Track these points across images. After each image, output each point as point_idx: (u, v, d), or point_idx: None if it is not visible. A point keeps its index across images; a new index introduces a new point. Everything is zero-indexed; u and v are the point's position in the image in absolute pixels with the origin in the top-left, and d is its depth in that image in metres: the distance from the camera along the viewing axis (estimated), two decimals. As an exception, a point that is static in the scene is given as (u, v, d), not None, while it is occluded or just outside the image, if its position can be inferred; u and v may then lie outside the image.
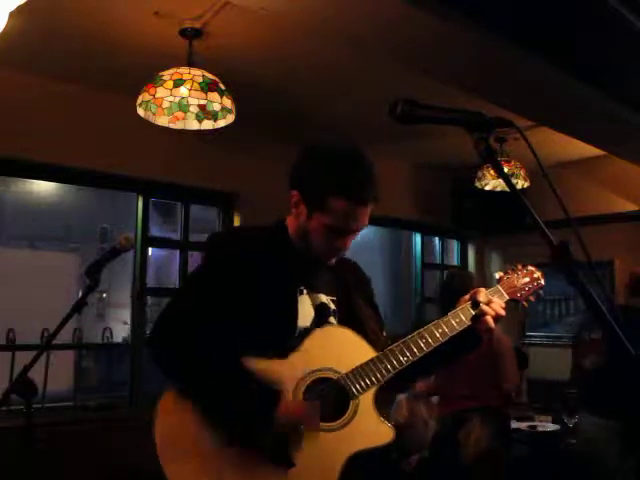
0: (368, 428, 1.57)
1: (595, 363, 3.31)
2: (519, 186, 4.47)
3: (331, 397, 1.56)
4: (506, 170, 4.43)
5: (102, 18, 2.92)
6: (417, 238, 5.98)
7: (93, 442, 3.45)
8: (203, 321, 1.57)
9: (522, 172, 4.50)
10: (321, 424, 1.53)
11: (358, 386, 1.57)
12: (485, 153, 1.14)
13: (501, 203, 4.87)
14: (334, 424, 1.55)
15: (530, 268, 1.81)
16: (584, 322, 3.80)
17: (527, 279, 1.79)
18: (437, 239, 6.18)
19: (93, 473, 3.32)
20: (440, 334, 1.63)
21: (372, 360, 1.59)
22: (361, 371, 1.58)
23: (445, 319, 1.66)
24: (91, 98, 3.69)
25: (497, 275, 1.78)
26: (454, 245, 6.31)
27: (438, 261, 6.16)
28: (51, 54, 3.28)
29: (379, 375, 1.59)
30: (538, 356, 5.46)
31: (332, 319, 1.69)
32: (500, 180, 4.56)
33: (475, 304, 1.66)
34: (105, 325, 4.87)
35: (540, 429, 4.21)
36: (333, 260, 1.70)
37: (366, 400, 1.58)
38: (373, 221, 1.76)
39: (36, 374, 2.14)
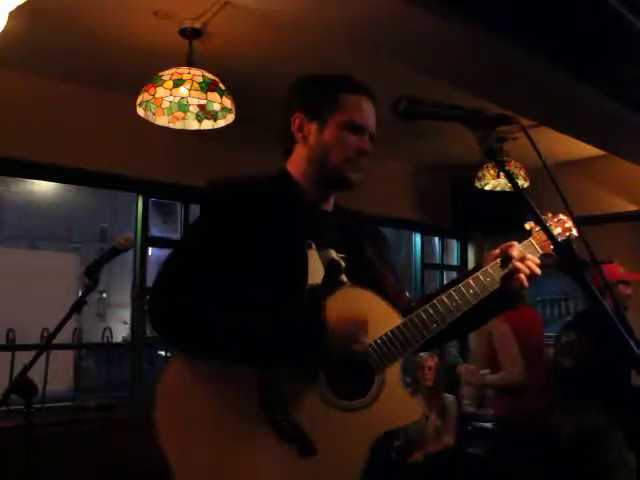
0: (395, 405, 1.40)
1: (575, 362, 3.34)
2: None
3: (354, 371, 1.38)
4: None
5: (102, 18, 2.92)
6: (417, 238, 5.99)
7: (93, 442, 3.45)
8: (207, 276, 1.40)
9: (522, 172, 4.50)
10: (344, 403, 1.37)
11: (384, 358, 1.39)
12: (487, 150, 1.14)
13: (501, 203, 4.86)
14: (358, 402, 1.38)
15: (562, 217, 1.63)
16: (563, 326, 3.85)
17: (559, 229, 1.61)
18: (437, 239, 6.18)
19: (93, 473, 3.32)
20: (471, 295, 1.46)
21: (399, 328, 1.41)
22: (387, 341, 1.40)
23: (475, 277, 1.48)
24: (91, 98, 3.69)
25: (527, 226, 1.57)
26: (454, 245, 6.31)
27: (438, 261, 6.16)
28: (51, 54, 3.28)
29: (407, 345, 1.41)
30: (538, 356, 5.44)
31: (344, 277, 1.52)
32: (500, 180, 4.56)
33: (505, 261, 1.48)
34: (105, 325, 4.88)
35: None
36: (356, 175, 1.52)
37: (392, 374, 1.41)
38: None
39: (36, 374, 2.14)
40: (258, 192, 1.50)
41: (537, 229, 1.55)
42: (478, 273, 1.47)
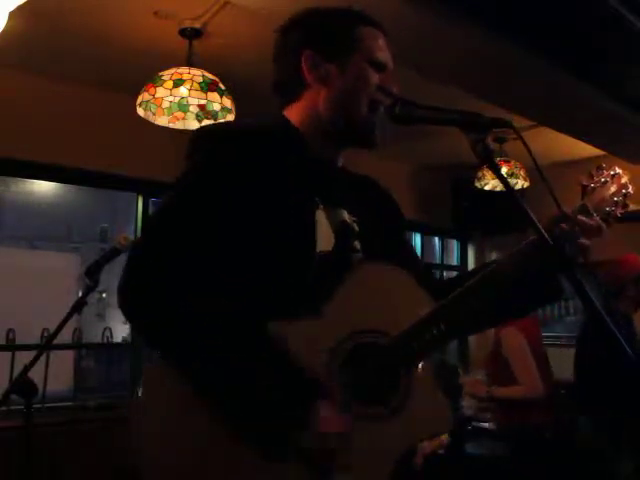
0: (426, 410, 1.15)
1: (575, 367, 3.29)
2: (519, 186, 4.47)
3: (379, 372, 1.15)
4: (505, 170, 4.43)
5: (102, 18, 2.92)
6: (417, 238, 5.98)
7: (93, 442, 3.45)
8: (196, 250, 1.14)
9: (522, 172, 4.50)
10: (368, 411, 1.13)
11: (413, 353, 1.15)
12: (482, 154, 1.13)
13: (501, 203, 4.86)
14: (384, 409, 1.13)
15: (618, 171, 1.33)
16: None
17: (614, 187, 1.30)
18: (437, 239, 6.18)
19: (93, 473, 3.32)
20: (513, 270, 1.19)
21: (430, 315, 1.16)
22: (416, 332, 1.15)
23: (518, 249, 1.20)
24: (91, 98, 3.69)
25: (583, 180, 1.29)
26: (454, 245, 6.30)
27: (438, 261, 6.16)
28: (51, 54, 3.28)
29: (440, 335, 1.15)
30: (538, 356, 5.44)
31: (357, 244, 1.29)
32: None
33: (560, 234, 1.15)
34: (105, 325, 4.87)
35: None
36: (375, 129, 1.30)
37: (424, 370, 1.17)
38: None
39: (36, 374, 2.14)
40: (257, 140, 1.24)
41: (590, 186, 1.27)
42: (528, 242, 1.20)
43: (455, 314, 1.17)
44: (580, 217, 1.20)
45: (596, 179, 1.30)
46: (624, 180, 1.33)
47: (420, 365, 1.17)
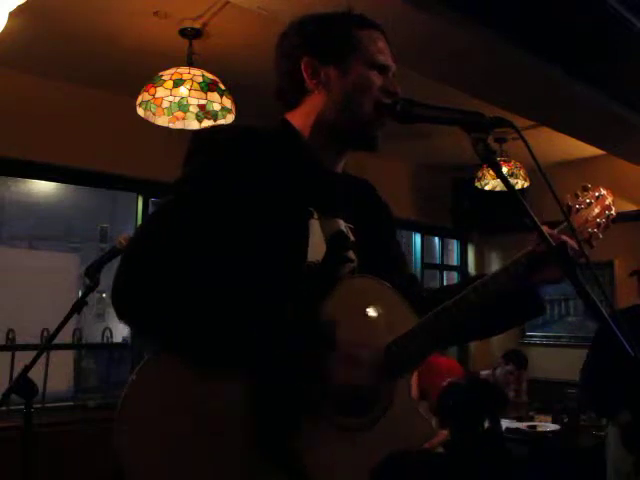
0: (405, 422, 1.19)
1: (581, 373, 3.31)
2: (519, 186, 4.47)
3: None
4: (506, 170, 4.43)
5: (102, 18, 2.92)
6: (417, 238, 5.98)
7: (93, 442, 3.45)
8: (188, 253, 1.11)
9: (522, 172, 4.50)
10: (349, 420, 1.15)
11: (396, 366, 1.18)
12: (483, 153, 1.14)
13: (501, 203, 4.86)
14: (365, 419, 1.16)
15: (603, 192, 1.33)
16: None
17: (598, 209, 1.31)
18: (437, 239, 6.18)
19: (93, 473, 3.32)
20: (498, 284, 1.22)
21: (415, 330, 1.19)
22: (400, 345, 1.18)
23: (502, 269, 1.24)
24: (91, 98, 3.69)
25: (569, 201, 1.31)
26: (454, 245, 6.31)
27: (438, 261, 6.16)
28: (51, 54, 3.28)
29: (424, 349, 1.20)
30: (538, 356, 5.45)
31: (352, 254, 1.28)
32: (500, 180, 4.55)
33: (536, 256, 1.19)
34: (105, 325, 4.86)
35: (540, 429, 4.21)
36: (380, 133, 1.31)
37: (402, 384, 1.20)
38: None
39: (36, 374, 2.14)
40: (255, 146, 1.22)
41: (576, 207, 1.30)
42: (507, 264, 1.24)
43: (439, 329, 1.19)
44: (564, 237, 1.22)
45: (581, 199, 1.31)
46: (608, 202, 1.33)
47: (402, 378, 1.20)
